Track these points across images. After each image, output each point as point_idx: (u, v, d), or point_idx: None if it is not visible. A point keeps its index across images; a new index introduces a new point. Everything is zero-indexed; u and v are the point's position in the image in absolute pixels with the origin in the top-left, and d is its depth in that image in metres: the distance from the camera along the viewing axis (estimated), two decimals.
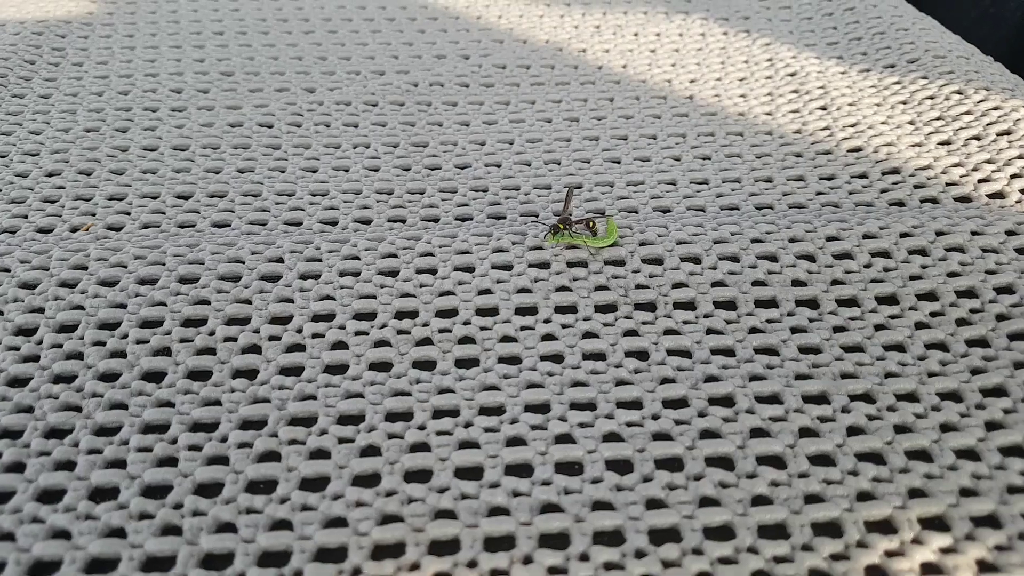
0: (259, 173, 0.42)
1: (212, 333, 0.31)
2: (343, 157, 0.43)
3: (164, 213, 0.39)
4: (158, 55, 0.54)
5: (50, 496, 0.26)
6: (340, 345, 0.31)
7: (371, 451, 0.27)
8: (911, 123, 0.46)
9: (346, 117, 0.47)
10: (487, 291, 0.34)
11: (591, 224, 0.35)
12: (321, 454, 0.27)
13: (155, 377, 0.30)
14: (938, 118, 0.46)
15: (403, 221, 0.39)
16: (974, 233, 0.37)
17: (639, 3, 0.63)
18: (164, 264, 0.34)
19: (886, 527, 0.25)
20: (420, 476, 0.26)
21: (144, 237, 0.37)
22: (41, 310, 0.32)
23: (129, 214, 0.39)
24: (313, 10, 0.61)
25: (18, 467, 0.26)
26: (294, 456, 0.26)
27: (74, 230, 0.38)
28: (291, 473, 0.26)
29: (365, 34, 0.58)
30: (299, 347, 0.31)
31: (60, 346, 0.31)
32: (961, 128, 0.45)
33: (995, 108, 0.46)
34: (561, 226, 0.35)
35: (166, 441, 0.27)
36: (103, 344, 0.31)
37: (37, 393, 0.29)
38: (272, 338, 0.31)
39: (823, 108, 0.48)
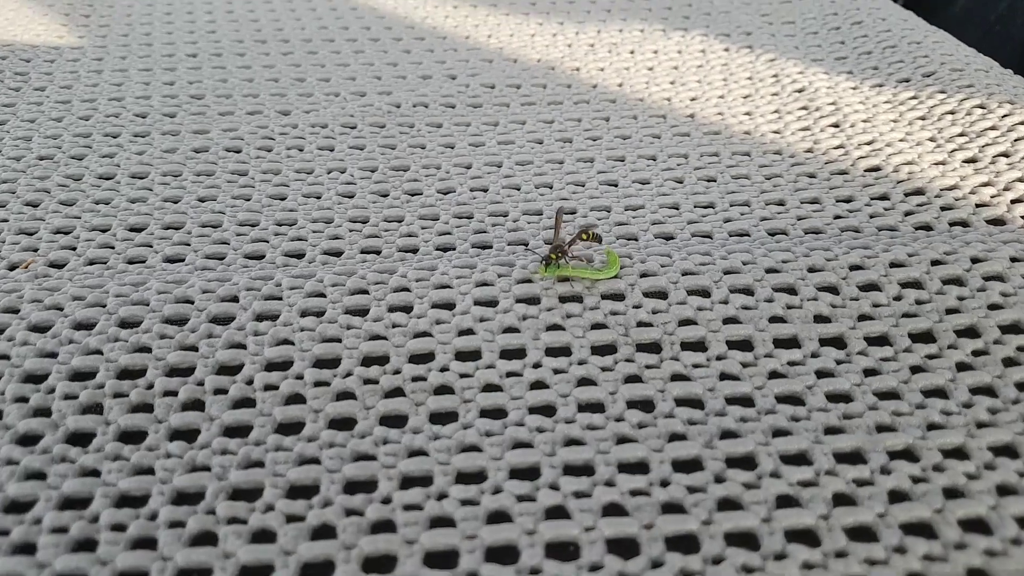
0: (221, 202, 0.38)
1: (150, 387, 0.27)
2: (315, 183, 0.39)
3: (113, 247, 0.35)
4: (126, 78, 0.50)
5: None
6: (296, 399, 0.27)
7: (325, 532, 0.23)
8: (932, 140, 0.42)
9: (321, 140, 0.43)
10: (468, 331, 0.30)
11: (584, 236, 0.31)
12: (265, 536, 0.23)
13: (82, 439, 0.26)
14: (961, 134, 0.43)
15: (378, 252, 0.35)
16: (1014, 260, 0.33)
17: (635, 21, 0.60)
18: (104, 306, 0.30)
19: None
20: (381, 565, 0.22)
21: (87, 275, 0.33)
22: None
23: (75, 249, 0.35)
24: (294, 31, 0.58)
25: None
26: (232, 538, 0.22)
27: (12, 268, 0.34)
28: (228, 561, 0.22)
29: (347, 55, 0.54)
30: (248, 402, 0.27)
31: None
32: (987, 144, 0.41)
33: (1022, 123, 0.42)
34: (554, 256, 0.31)
35: (86, 519, 0.23)
36: (25, 401, 0.27)
37: None
38: (218, 391, 0.27)
39: (835, 125, 0.44)
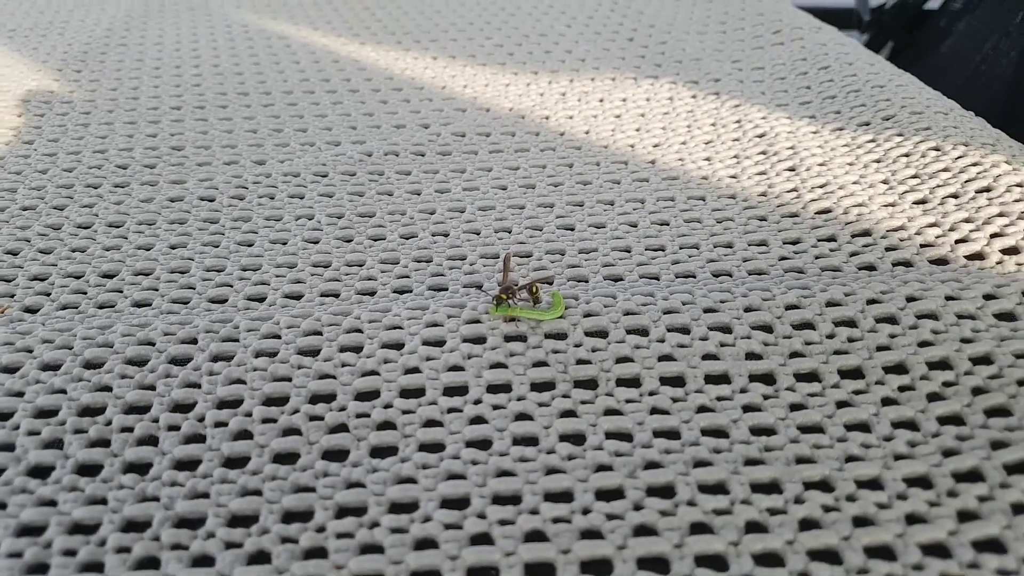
0: (191, 248, 0.40)
1: (108, 424, 0.29)
2: (283, 230, 0.41)
3: (86, 293, 0.37)
4: (111, 131, 0.53)
5: None
6: (243, 435, 0.28)
7: (261, 558, 0.24)
8: (885, 182, 0.44)
9: (292, 188, 0.45)
10: (415, 370, 0.31)
11: (534, 289, 0.33)
12: (205, 561, 0.24)
13: (41, 473, 0.27)
14: (914, 176, 0.44)
15: (336, 295, 0.36)
16: (949, 298, 0.34)
17: (608, 69, 0.62)
18: (71, 348, 0.32)
19: None
20: None
21: (59, 319, 0.35)
22: None
23: (49, 295, 0.37)
24: (276, 83, 0.60)
25: None
26: (174, 563, 0.24)
27: None
28: None
29: (325, 105, 0.57)
30: (199, 437, 0.28)
31: None
32: (938, 186, 0.43)
33: (974, 164, 0.44)
34: (504, 296, 0.33)
35: (39, 546, 0.24)
36: None
37: None
38: (171, 428, 0.28)
39: (791, 169, 0.46)
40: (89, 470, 0.27)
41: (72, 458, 0.27)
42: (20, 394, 0.30)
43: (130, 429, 0.28)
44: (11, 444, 0.28)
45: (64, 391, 0.30)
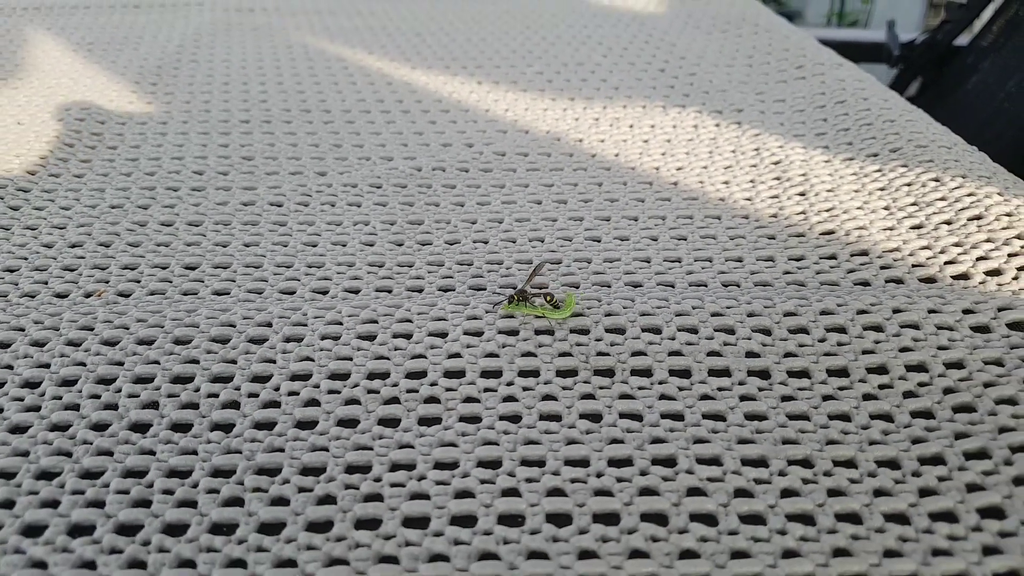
0: (263, 247, 0.45)
1: (197, 390, 0.34)
2: (343, 233, 0.47)
3: (171, 282, 0.42)
4: (186, 140, 0.59)
5: (33, 531, 0.28)
6: (312, 403, 0.33)
7: (327, 500, 0.29)
8: (886, 208, 0.48)
9: (351, 198, 0.51)
10: (456, 355, 0.36)
11: (549, 298, 0.38)
12: (281, 501, 0.29)
13: (141, 428, 0.32)
14: (913, 203, 0.48)
15: (389, 291, 0.41)
16: (931, 311, 0.38)
17: (639, 98, 0.67)
18: (162, 327, 0.38)
19: None
20: (370, 524, 0.28)
21: (149, 303, 0.40)
22: (47, 365, 0.35)
23: (139, 282, 0.42)
24: (335, 102, 0.66)
25: (8, 504, 0.29)
26: (256, 502, 0.29)
27: (88, 296, 0.41)
28: (251, 518, 0.28)
29: (380, 124, 0.62)
30: (275, 404, 0.33)
31: (59, 398, 0.34)
32: (934, 213, 0.47)
33: (969, 195, 0.48)
34: (516, 297, 0.37)
35: (143, 485, 0.29)
36: (98, 398, 0.34)
37: (34, 439, 0.31)
38: (251, 395, 0.34)
39: (802, 194, 0.50)
40: (181, 427, 0.32)
41: (167, 417, 0.33)
42: (120, 363, 0.36)
43: (216, 395, 0.34)
44: (115, 404, 0.33)
45: (158, 362, 0.36)
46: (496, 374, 0.35)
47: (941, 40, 1.22)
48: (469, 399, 0.34)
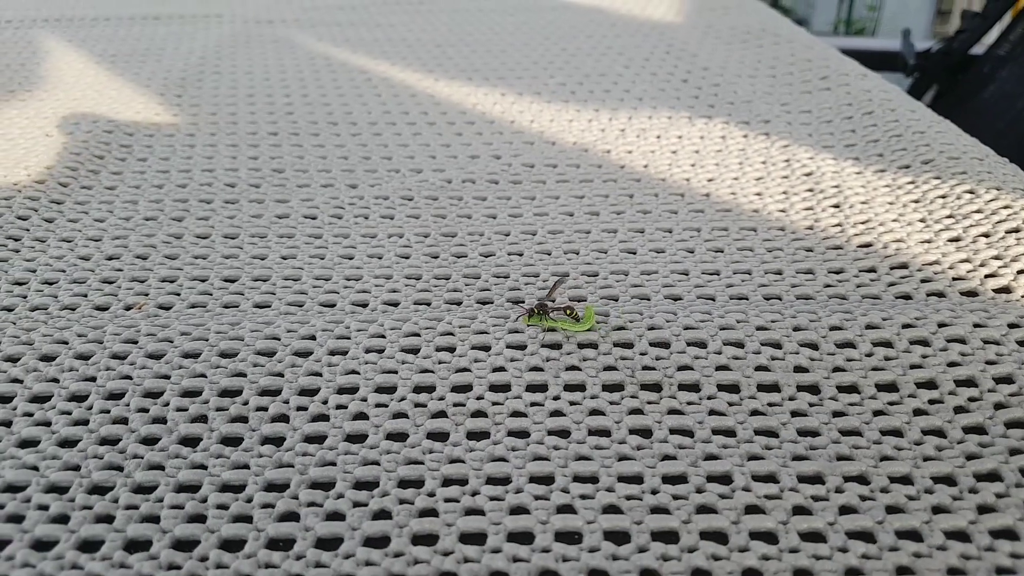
0: (300, 260, 0.45)
1: (246, 403, 0.34)
2: (378, 246, 0.47)
3: (211, 295, 0.42)
4: (215, 152, 0.59)
5: (89, 546, 0.28)
6: (361, 416, 0.33)
7: (383, 515, 0.29)
8: (922, 220, 0.48)
9: (383, 210, 0.51)
10: (501, 368, 0.36)
11: (569, 311, 0.37)
12: (336, 516, 0.29)
13: (191, 442, 0.32)
14: (949, 216, 0.48)
15: (428, 304, 0.41)
16: (976, 325, 0.38)
17: (664, 108, 0.67)
18: (207, 340, 0.37)
19: None
20: (427, 540, 0.28)
21: (191, 316, 0.40)
22: (93, 379, 0.35)
23: (179, 295, 0.42)
24: (361, 115, 0.66)
25: (63, 519, 0.29)
26: (311, 517, 0.28)
27: (128, 308, 0.41)
28: (308, 533, 0.28)
29: (407, 136, 0.62)
30: (323, 417, 0.33)
31: (108, 412, 0.33)
32: (971, 226, 0.47)
33: (1005, 207, 0.48)
34: (536, 310, 0.37)
35: (197, 500, 0.29)
36: (146, 411, 0.34)
37: (84, 453, 0.31)
38: (300, 408, 0.34)
39: (836, 206, 0.50)
40: (231, 441, 0.32)
41: (217, 431, 0.33)
42: (167, 376, 0.36)
43: (265, 409, 0.34)
44: (163, 418, 0.33)
45: (204, 375, 0.36)
46: (542, 388, 0.35)
47: (957, 49, 1.22)
48: (516, 413, 0.34)
